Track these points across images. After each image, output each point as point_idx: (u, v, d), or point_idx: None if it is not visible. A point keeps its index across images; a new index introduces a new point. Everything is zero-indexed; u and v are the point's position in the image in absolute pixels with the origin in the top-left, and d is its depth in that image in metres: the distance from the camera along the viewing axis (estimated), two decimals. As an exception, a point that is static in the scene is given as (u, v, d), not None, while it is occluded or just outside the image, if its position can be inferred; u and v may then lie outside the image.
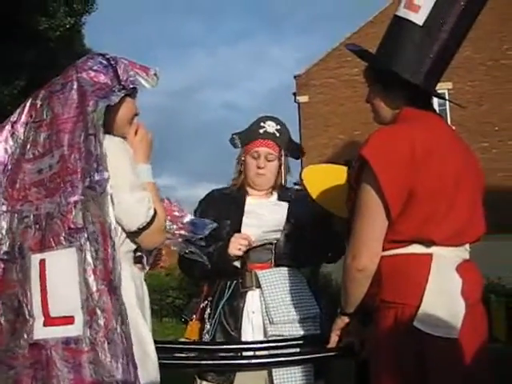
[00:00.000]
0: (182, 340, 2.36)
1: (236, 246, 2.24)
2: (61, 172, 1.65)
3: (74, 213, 1.61)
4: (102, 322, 1.54)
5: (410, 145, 1.65)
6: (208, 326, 2.31)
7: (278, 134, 2.40)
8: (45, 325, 1.60)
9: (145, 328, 1.72)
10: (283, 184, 2.46)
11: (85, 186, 1.61)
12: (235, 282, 2.31)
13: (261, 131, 2.40)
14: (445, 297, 1.62)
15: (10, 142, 1.79)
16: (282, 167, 2.42)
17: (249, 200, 2.41)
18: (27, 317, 1.62)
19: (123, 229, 1.73)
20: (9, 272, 1.67)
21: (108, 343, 1.52)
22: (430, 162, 1.66)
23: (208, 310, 2.34)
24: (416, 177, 1.64)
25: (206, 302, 2.37)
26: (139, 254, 1.86)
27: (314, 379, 2.19)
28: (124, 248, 1.75)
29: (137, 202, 1.71)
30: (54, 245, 1.62)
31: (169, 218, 2.05)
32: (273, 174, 2.40)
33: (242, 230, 2.31)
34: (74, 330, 1.55)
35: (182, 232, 2.15)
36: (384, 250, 1.69)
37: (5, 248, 1.70)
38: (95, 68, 1.76)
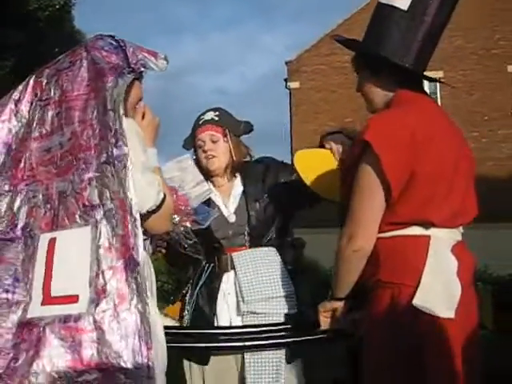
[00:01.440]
0: (162, 315, 2.38)
1: None
2: (72, 149, 1.61)
3: (88, 190, 1.56)
4: (112, 300, 1.49)
5: (410, 129, 1.67)
6: (188, 307, 2.37)
7: (216, 118, 2.42)
8: (42, 304, 1.56)
9: (154, 310, 1.68)
10: (241, 162, 2.43)
11: (100, 162, 1.57)
12: (212, 264, 2.34)
13: (199, 122, 2.44)
14: (442, 277, 1.64)
15: (14, 122, 1.76)
16: (231, 146, 2.40)
17: (212, 189, 2.39)
18: (22, 297, 1.58)
19: None
20: (4, 249, 1.63)
21: (118, 322, 1.48)
22: (430, 145, 1.68)
23: (189, 292, 2.39)
24: (417, 160, 1.65)
25: (188, 284, 2.42)
26: (144, 237, 1.80)
27: (288, 361, 2.21)
28: None
29: (147, 184, 1.68)
30: (67, 223, 1.58)
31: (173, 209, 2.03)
32: (223, 153, 2.39)
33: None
34: (77, 308, 1.50)
35: (185, 224, 2.12)
36: (382, 231, 1.70)
37: (1, 227, 1.66)
38: (106, 48, 1.73)
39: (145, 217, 1.71)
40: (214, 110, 2.47)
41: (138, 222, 1.56)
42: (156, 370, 1.50)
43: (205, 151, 2.38)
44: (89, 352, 1.46)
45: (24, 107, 1.75)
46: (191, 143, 2.46)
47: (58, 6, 13.60)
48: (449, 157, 1.71)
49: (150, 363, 1.47)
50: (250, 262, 2.29)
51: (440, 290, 1.63)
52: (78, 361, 1.47)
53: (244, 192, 2.39)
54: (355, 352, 1.81)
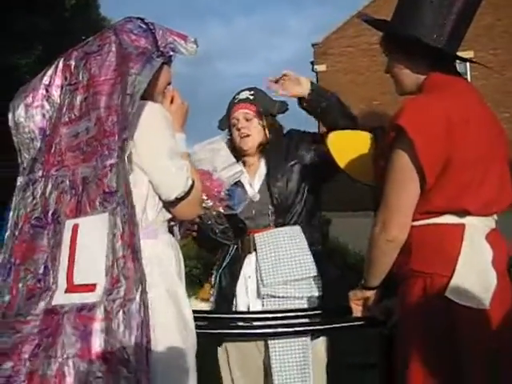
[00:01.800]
0: (193, 299, 2.40)
1: None
2: (98, 135, 1.60)
3: (109, 176, 1.56)
4: (122, 290, 1.49)
5: (445, 114, 1.61)
6: (213, 289, 2.38)
7: (251, 97, 2.42)
8: (66, 291, 1.57)
9: (184, 297, 1.70)
10: (275, 142, 2.40)
11: (119, 147, 1.57)
12: (236, 246, 2.34)
13: (234, 101, 2.44)
14: (478, 267, 1.60)
15: (47, 107, 1.75)
16: (265, 125, 2.39)
17: (241, 177, 2.35)
18: (51, 284, 1.59)
19: (160, 198, 1.70)
20: (38, 237, 1.64)
21: (124, 313, 1.48)
22: (466, 130, 1.62)
23: (215, 273, 2.40)
24: (453, 146, 1.60)
25: (215, 266, 2.43)
26: (172, 223, 1.83)
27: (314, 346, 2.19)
28: (161, 217, 1.73)
29: (176, 170, 1.67)
30: (89, 210, 1.58)
31: (205, 194, 2.02)
32: (257, 132, 2.38)
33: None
34: (93, 296, 1.51)
35: (218, 209, 2.11)
36: (415, 219, 1.66)
37: (37, 213, 1.67)
38: (136, 32, 1.71)
39: (173, 204, 1.70)
40: (249, 89, 2.46)
41: (135, 208, 1.56)
42: (160, 364, 1.52)
43: (238, 129, 2.38)
44: (97, 341, 1.47)
45: (55, 92, 1.74)
46: (226, 123, 2.46)
47: (84, -6, 13.68)
48: (484, 141, 1.66)
49: (149, 356, 1.46)
50: (271, 243, 2.26)
51: (475, 281, 1.58)
52: (85, 350, 1.48)
53: (268, 170, 2.36)
54: (388, 339, 1.79)
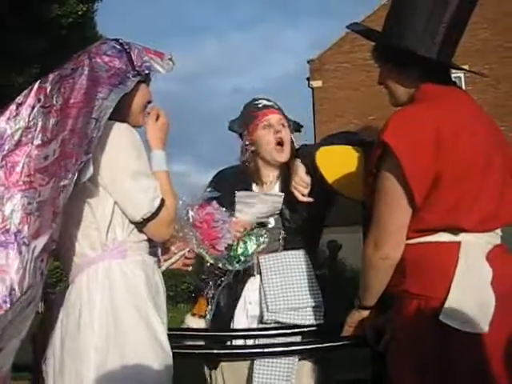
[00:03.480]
0: (189, 316, 2.34)
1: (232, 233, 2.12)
2: (59, 157, 1.60)
3: (60, 197, 1.55)
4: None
5: (434, 125, 1.54)
6: (209, 307, 2.27)
7: (276, 106, 2.28)
8: None
9: (156, 319, 1.67)
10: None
11: (75, 168, 1.56)
12: None
13: (260, 106, 2.25)
14: (473, 289, 1.51)
15: (11, 123, 1.73)
16: (292, 139, 2.26)
17: (254, 189, 2.29)
18: None
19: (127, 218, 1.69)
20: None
21: None
22: (457, 142, 1.54)
23: (212, 290, 2.29)
24: (442, 160, 1.53)
25: (212, 281, 2.31)
26: (154, 246, 1.81)
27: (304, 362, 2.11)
28: (133, 237, 1.72)
29: (141, 191, 1.67)
30: (42, 232, 1.56)
31: (206, 242, 1.99)
32: (289, 143, 2.22)
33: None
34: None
35: (213, 254, 2.05)
36: (409, 238, 1.59)
37: None
38: (109, 53, 1.73)
39: (141, 224, 1.70)
40: (268, 99, 2.30)
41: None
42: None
43: (277, 132, 2.20)
44: None
45: (25, 110, 1.73)
46: (243, 126, 2.26)
47: (80, 13, 13.75)
48: (480, 152, 1.58)
49: None
50: (276, 267, 2.17)
51: (471, 303, 1.50)
52: None
53: (284, 196, 2.22)
54: (380, 357, 1.76)
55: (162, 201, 1.70)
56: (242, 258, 2.11)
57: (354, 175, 2.00)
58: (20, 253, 1.58)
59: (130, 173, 1.67)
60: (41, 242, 1.55)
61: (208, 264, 2.13)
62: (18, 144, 1.69)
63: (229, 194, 2.21)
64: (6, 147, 1.70)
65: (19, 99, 1.75)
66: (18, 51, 11.31)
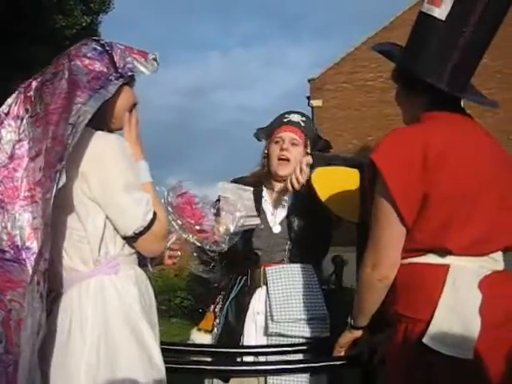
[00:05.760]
0: (195, 330, 2.35)
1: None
2: (45, 167, 1.54)
3: (47, 210, 1.48)
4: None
5: (422, 146, 1.54)
6: (217, 320, 2.30)
7: (303, 124, 2.35)
8: None
9: (149, 334, 1.64)
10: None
11: (55, 178, 1.49)
12: (245, 278, 2.28)
13: (285, 120, 2.36)
14: (458, 314, 1.49)
15: (1, 134, 1.66)
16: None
17: (264, 195, 2.36)
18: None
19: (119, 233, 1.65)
20: (15, 271, 1.55)
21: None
22: (446, 163, 1.54)
23: (220, 304, 2.33)
24: (430, 180, 1.53)
25: (220, 295, 2.36)
26: (144, 258, 1.78)
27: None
28: (126, 251, 1.68)
29: (134, 205, 1.61)
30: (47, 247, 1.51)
31: (183, 222, 1.96)
32: (297, 160, 2.27)
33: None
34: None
35: (197, 237, 2.01)
36: (402, 258, 1.60)
37: (3, 246, 1.57)
38: (89, 55, 1.64)
39: (133, 239, 1.64)
40: (302, 114, 2.40)
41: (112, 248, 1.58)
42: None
43: (282, 149, 2.29)
44: None
45: (13, 122, 1.66)
46: (266, 135, 2.38)
47: (84, 24, 13.85)
48: (471, 175, 1.57)
49: None
50: (283, 279, 2.20)
51: (455, 328, 1.48)
52: None
53: (294, 206, 2.30)
54: (371, 376, 1.76)
55: (155, 214, 1.65)
56: (227, 238, 2.11)
57: (349, 197, 2.01)
58: (20, 264, 1.54)
59: (122, 186, 1.61)
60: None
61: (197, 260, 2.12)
62: (11, 157, 1.63)
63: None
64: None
65: (4, 110, 1.68)
66: (22, 61, 11.35)
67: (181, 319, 10.56)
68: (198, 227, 2.01)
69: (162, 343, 1.71)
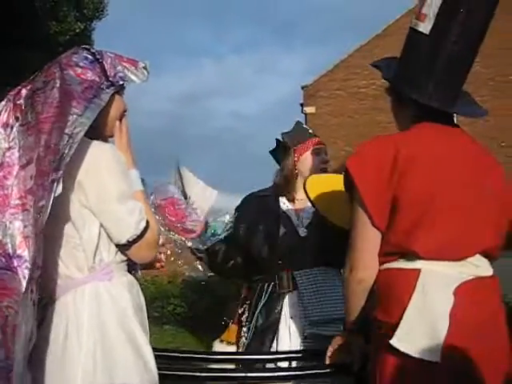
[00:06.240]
0: (217, 342, 2.36)
1: None
2: (37, 175, 1.54)
3: (40, 218, 1.47)
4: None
5: (393, 151, 1.59)
6: (245, 329, 2.31)
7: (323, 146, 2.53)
8: None
9: (143, 339, 1.66)
10: None
11: (50, 187, 1.48)
12: (272, 284, 2.29)
13: (310, 131, 2.52)
14: (426, 317, 1.49)
15: None
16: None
17: (284, 202, 2.42)
18: None
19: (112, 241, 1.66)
20: (7, 280, 1.53)
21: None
22: (416, 167, 1.57)
23: (246, 314, 2.33)
24: (399, 183, 1.57)
25: (245, 305, 2.36)
26: (134, 263, 1.79)
27: None
28: (118, 258, 1.70)
29: (127, 214, 1.63)
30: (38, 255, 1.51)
31: (175, 222, 1.98)
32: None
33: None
34: None
35: (181, 235, 2.05)
36: (380, 263, 1.62)
37: None
38: (81, 64, 1.65)
39: (126, 247, 1.66)
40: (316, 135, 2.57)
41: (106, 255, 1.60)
42: None
43: (324, 162, 2.44)
44: None
45: (3, 130, 1.65)
46: (295, 142, 2.44)
47: (77, 31, 13.85)
48: (444, 180, 1.59)
49: None
50: (311, 282, 2.23)
51: (423, 331, 1.48)
52: None
53: (317, 210, 2.33)
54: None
55: (147, 222, 1.67)
56: (213, 238, 2.14)
57: (340, 202, 2.02)
58: (24, 277, 1.53)
59: (117, 195, 1.63)
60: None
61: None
62: (1, 165, 1.63)
63: (252, 218, 2.36)
64: None
65: None
66: (16, 66, 11.34)
67: (174, 326, 10.52)
68: (179, 225, 2.02)
69: (164, 350, 1.72)
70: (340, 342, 1.79)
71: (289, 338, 2.22)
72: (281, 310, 2.25)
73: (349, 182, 1.66)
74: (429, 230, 1.56)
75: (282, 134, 2.50)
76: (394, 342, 1.50)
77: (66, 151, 1.50)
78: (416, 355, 1.48)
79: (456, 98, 1.70)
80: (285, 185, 2.44)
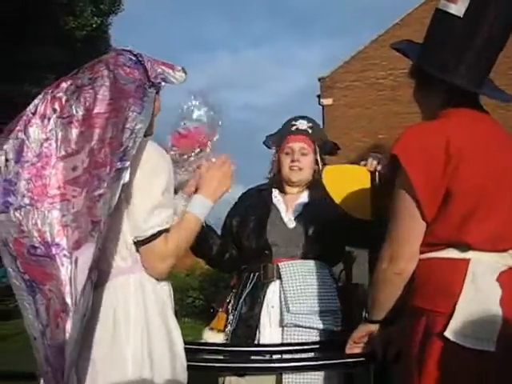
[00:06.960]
0: (207, 330, 2.38)
1: None
2: (89, 167, 1.59)
3: (97, 206, 1.55)
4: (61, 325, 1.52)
5: (444, 140, 1.55)
6: (231, 317, 2.33)
7: (310, 131, 2.42)
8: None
9: (177, 333, 1.71)
10: (318, 178, 2.39)
11: (110, 177, 1.56)
12: (257, 273, 2.31)
13: (292, 129, 2.43)
14: (480, 306, 1.50)
15: (28, 133, 1.69)
16: (319, 163, 2.42)
17: (275, 195, 2.43)
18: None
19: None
20: (48, 266, 1.58)
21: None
22: (467, 158, 1.54)
23: (232, 302, 2.36)
24: (452, 174, 1.53)
25: (231, 293, 2.39)
26: None
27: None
28: None
29: (148, 212, 1.66)
30: (83, 242, 1.57)
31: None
32: (309, 168, 2.40)
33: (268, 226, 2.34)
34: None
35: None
36: (420, 252, 1.60)
37: (30, 242, 1.60)
38: (128, 64, 1.71)
39: (136, 246, 1.69)
40: (308, 120, 2.47)
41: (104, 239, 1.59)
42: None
43: (293, 161, 2.38)
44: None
45: (40, 121, 1.69)
46: (276, 143, 2.46)
47: (94, 26, 13.94)
48: (493, 170, 1.57)
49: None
50: (296, 273, 2.24)
51: (476, 320, 1.48)
52: None
53: (308, 204, 2.36)
54: (382, 376, 1.75)
55: (161, 232, 1.68)
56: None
57: (360, 193, 2.01)
58: (62, 265, 1.57)
59: (155, 203, 1.66)
60: (83, 252, 1.55)
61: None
62: (39, 156, 1.67)
63: (246, 209, 2.40)
64: (27, 159, 1.68)
65: (32, 109, 1.73)
66: (34, 62, 11.45)
67: (193, 319, 10.59)
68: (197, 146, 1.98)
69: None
70: (362, 330, 1.78)
71: (269, 326, 2.24)
72: (263, 299, 2.26)
73: (394, 170, 1.61)
74: (482, 221, 1.55)
75: (266, 137, 2.50)
76: (448, 333, 1.49)
77: (131, 144, 1.58)
78: (471, 346, 1.48)
79: (483, 83, 1.68)
80: (274, 180, 2.47)
